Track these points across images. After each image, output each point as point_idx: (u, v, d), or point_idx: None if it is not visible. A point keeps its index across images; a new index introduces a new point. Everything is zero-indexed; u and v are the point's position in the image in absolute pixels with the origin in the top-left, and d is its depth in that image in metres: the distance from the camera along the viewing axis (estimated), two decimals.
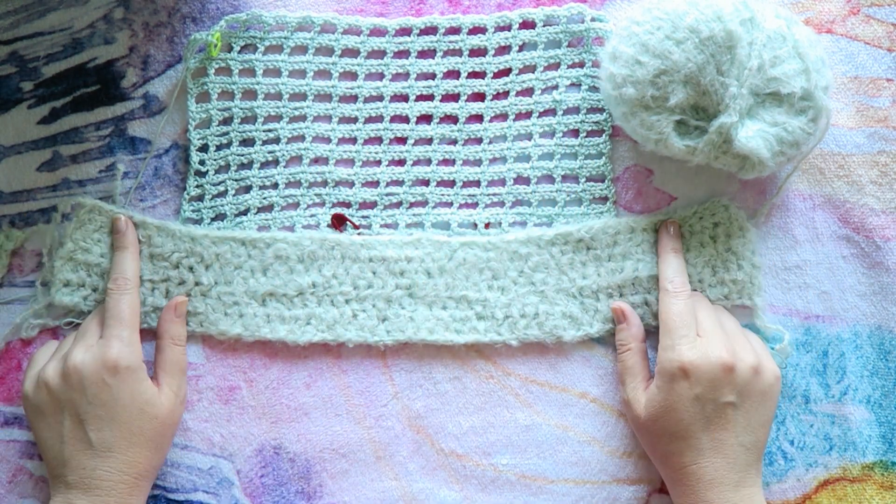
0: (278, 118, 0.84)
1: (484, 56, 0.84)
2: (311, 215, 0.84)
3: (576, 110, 0.84)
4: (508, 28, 0.84)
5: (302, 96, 0.84)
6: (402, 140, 0.85)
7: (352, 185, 0.84)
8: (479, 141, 0.85)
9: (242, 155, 0.84)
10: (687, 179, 0.84)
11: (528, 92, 0.84)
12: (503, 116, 0.85)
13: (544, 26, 0.84)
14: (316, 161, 0.84)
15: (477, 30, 0.84)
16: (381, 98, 0.84)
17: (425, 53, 0.84)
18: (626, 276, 0.83)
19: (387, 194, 0.84)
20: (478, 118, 0.85)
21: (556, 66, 0.84)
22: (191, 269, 0.83)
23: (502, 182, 0.84)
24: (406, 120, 0.85)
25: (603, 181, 0.84)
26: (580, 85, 0.84)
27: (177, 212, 0.84)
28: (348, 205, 0.85)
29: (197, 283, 0.83)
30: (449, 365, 0.84)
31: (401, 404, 0.84)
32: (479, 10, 0.85)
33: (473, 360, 0.84)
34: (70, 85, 0.84)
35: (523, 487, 0.83)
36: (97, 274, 0.82)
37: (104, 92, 0.84)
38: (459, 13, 0.85)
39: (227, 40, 0.83)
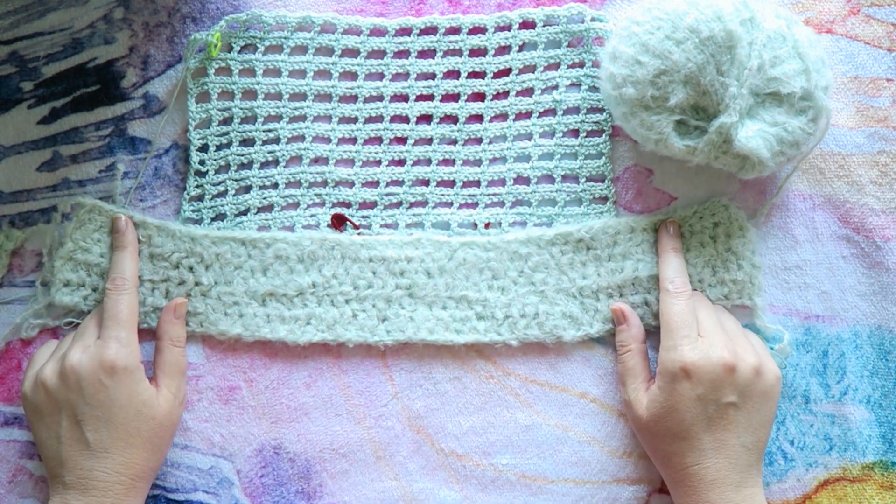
0: (278, 118, 0.84)
1: (484, 56, 0.84)
2: (311, 215, 0.84)
3: (576, 110, 0.84)
4: (508, 28, 0.84)
5: (302, 96, 0.84)
6: (402, 140, 0.85)
7: (352, 185, 0.84)
8: (479, 141, 0.85)
9: (242, 155, 0.84)
10: (687, 179, 0.84)
11: (528, 92, 0.84)
12: (503, 116, 0.85)
13: (544, 26, 0.84)
14: (316, 161, 0.84)
15: (477, 30, 0.84)
16: (381, 98, 0.84)
17: (425, 53, 0.84)
18: (626, 276, 0.83)
19: (387, 194, 0.84)
20: (478, 118, 0.85)
21: (556, 66, 0.84)
22: (191, 269, 0.83)
23: (502, 182, 0.84)
24: (406, 120, 0.85)
25: (603, 181, 0.84)
26: (580, 85, 0.84)
27: (177, 212, 0.84)
28: (348, 205, 0.85)
29: (197, 283, 0.83)
30: (449, 365, 0.84)
31: (401, 404, 0.84)
32: (479, 10, 0.85)
33: (473, 360, 0.84)
34: (70, 85, 0.84)
35: (523, 487, 0.83)
36: (97, 274, 0.82)
37: (104, 92, 0.84)
38: (459, 13, 0.85)
39: (227, 40, 0.83)
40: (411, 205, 0.85)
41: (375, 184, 0.84)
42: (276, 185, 0.84)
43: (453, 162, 0.85)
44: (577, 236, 0.83)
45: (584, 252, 0.83)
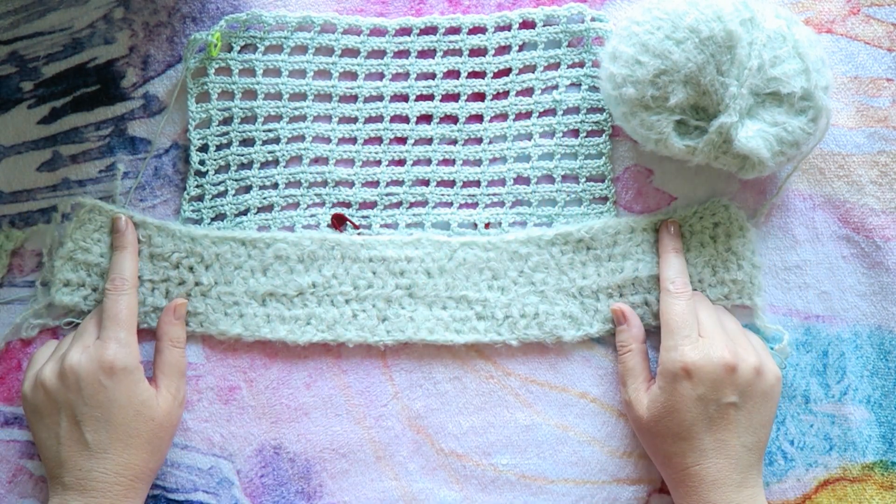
0: (278, 118, 0.84)
1: (484, 56, 0.84)
2: (311, 215, 0.84)
3: (576, 110, 0.84)
4: (508, 28, 0.84)
5: (302, 96, 0.84)
6: (402, 140, 0.85)
7: (352, 185, 0.84)
8: (479, 141, 0.85)
9: (242, 155, 0.84)
10: (687, 179, 0.84)
11: (528, 92, 0.84)
12: (503, 116, 0.85)
13: (544, 26, 0.84)
14: (316, 161, 0.84)
15: (477, 30, 0.84)
16: (381, 98, 0.84)
17: (425, 53, 0.84)
18: (626, 276, 0.83)
19: (387, 194, 0.84)
20: (478, 118, 0.85)
21: (556, 66, 0.84)
22: (191, 269, 0.83)
23: (502, 182, 0.84)
24: (406, 120, 0.85)
25: (603, 181, 0.84)
26: (580, 85, 0.84)
27: (177, 212, 0.84)
28: (348, 205, 0.85)
29: (197, 283, 0.83)
30: (449, 365, 0.84)
31: (401, 404, 0.84)
32: (479, 10, 0.85)
33: (473, 360, 0.84)
34: (70, 85, 0.84)
35: (523, 487, 0.83)
36: (97, 274, 0.82)
37: (104, 92, 0.84)
38: (459, 13, 0.85)
39: (227, 40, 0.83)
40: (411, 205, 0.85)
41: (375, 184, 0.84)
42: (276, 185, 0.84)
43: (453, 162, 0.85)
44: (577, 236, 0.83)
45: (584, 252, 0.83)
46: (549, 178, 0.84)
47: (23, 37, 0.84)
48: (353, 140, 0.85)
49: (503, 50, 0.84)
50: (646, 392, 0.78)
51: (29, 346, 0.84)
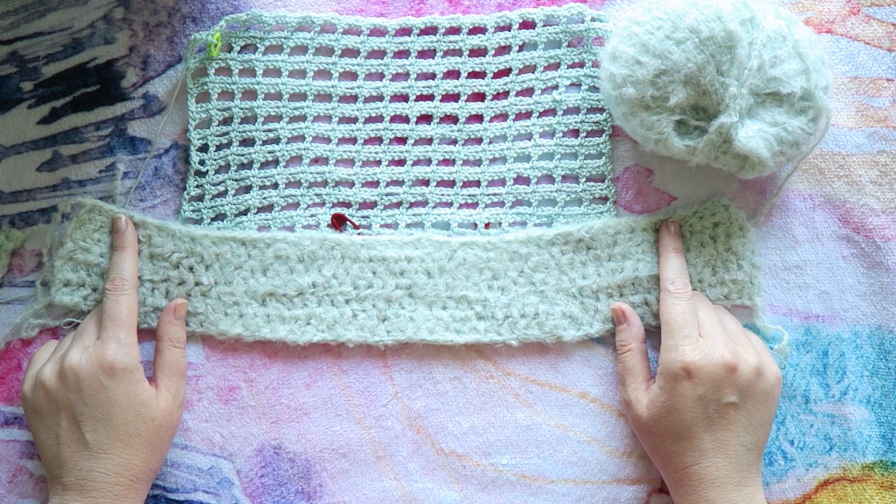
0: (278, 118, 0.84)
1: (484, 56, 0.84)
2: (311, 215, 0.84)
3: (576, 110, 0.84)
4: (508, 28, 0.84)
5: (302, 96, 0.84)
6: (402, 140, 0.85)
7: (352, 185, 0.84)
8: (479, 141, 0.85)
9: (242, 155, 0.84)
10: (687, 179, 0.84)
11: (528, 92, 0.84)
12: (503, 116, 0.85)
13: (544, 26, 0.84)
14: (316, 161, 0.84)
15: (477, 30, 0.84)
16: (381, 98, 0.84)
17: (425, 53, 0.84)
18: (626, 275, 0.83)
19: (387, 194, 0.84)
20: (478, 118, 0.85)
21: (556, 66, 0.84)
22: (191, 269, 0.83)
23: (502, 182, 0.84)
24: (406, 120, 0.85)
25: (603, 181, 0.84)
26: (580, 85, 0.84)
27: (177, 212, 0.84)
28: (348, 205, 0.85)
29: (197, 284, 0.83)
30: (449, 365, 0.84)
31: (401, 404, 0.84)
32: (479, 10, 0.85)
33: (473, 360, 0.84)
34: (70, 85, 0.84)
35: (523, 487, 0.83)
36: (97, 274, 0.82)
37: (104, 92, 0.84)
38: (459, 13, 0.85)
39: (227, 40, 0.83)
40: (411, 205, 0.85)
41: (375, 184, 0.84)
42: (276, 185, 0.84)
43: (453, 162, 0.85)
44: (577, 236, 0.83)
45: (584, 252, 0.83)
46: (549, 178, 0.84)
47: (23, 37, 0.84)
48: (353, 140, 0.85)
49: (503, 50, 0.84)
50: (645, 391, 0.78)
51: (29, 346, 0.84)
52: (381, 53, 0.84)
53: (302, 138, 0.84)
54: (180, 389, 0.80)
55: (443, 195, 0.85)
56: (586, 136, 0.84)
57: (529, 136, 0.84)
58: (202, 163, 0.84)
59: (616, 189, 0.85)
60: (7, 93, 0.84)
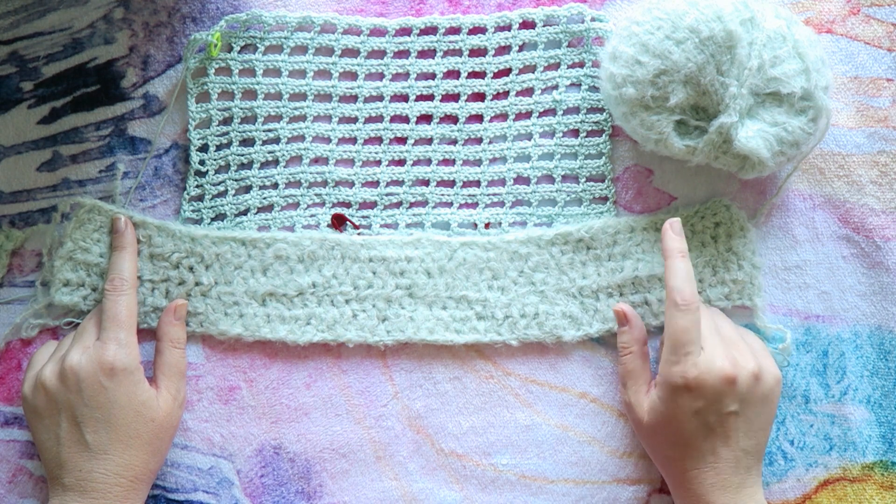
0: (278, 118, 0.84)
1: (484, 56, 0.84)
2: (311, 215, 0.84)
3: (576, 110, 0.84)
4: (508, 28, 0.84)
5: (302, 96, 0.84)
6: (402, 140, 0.85)
7: (352, 185, 0.84)
8: (479, 141, 0.85)
9: (242, 155, 0.84)
10: (687, 179, 0.84)
11: (528, 92, 0.84)
12: (503, 116, 0.85)
13: (544, 26, 0.84)
14: (316, 161, 0.84)
15: (477, 30, 0.84)
16: (381, 98, 0.84)
17: (425, 53, 0.84)
18: (625, 275, 0.83)
19: (387, 194, 0.84)
20: (478, 118, 0.85)
21: (556, 66, 0.84)
22: (191, 269, 0.83)
23: (502, 182, 0.84)
24: (406, 120, 0.85)
25: (603, 181, 0.84)
26: (580, 85, 0.84)
27: (177, 212, 0.84)
28: (348, 205, 0.85)
29: (197, 283, 0.83)
30: (449, 365, 0.84)
31: (401, 404, 0.84)
32: (479, 10, 0.85)
33: (473, 360, 0.84)
34: (70, 85, 0.84)
35: (523, 487, 0.83)
36: (97, 274, 0.82)
37: (104, 92, 0.84)
38: (459, 13, 0.85)
39: (227, 40, 0.83)
40: (411, 205, 0.85)
41: (375, 184, 0.84)
42: (276, 185, 0.84)
43: (453, 162, 0.85)
44: (577, 236, 0.83)
45: (584, 252, 0.83)
46: (549, 178, 0.84)
47: (23, 37, 0.84)
48: (353, 140, 0.85)
49: (503, 50, 0.84)
50: (646, 395, 0.78)
51: (29, 346, 0.84)
52: (381, 53, 0.84)
53: (302, 138, 0.84)
54: (180, 390, 0.80)
55: (443, 195, 0.85)
56: (586, 136, 0.84)
57: (529, 136, 0.84)
58: (202, 163, 0.84)
59: (616, 189, 0.85)
60: (7, 93, 0.84)
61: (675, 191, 0.85)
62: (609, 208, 0.84)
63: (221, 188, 0.84)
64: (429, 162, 0.85)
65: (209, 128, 0.84)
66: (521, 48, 0.84)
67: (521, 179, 0.85)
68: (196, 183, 0.84)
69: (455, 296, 0.83)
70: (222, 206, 0.84)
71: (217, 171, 0.84)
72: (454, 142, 0.85)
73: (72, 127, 0.84)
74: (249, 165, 0.84)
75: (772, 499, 0.83)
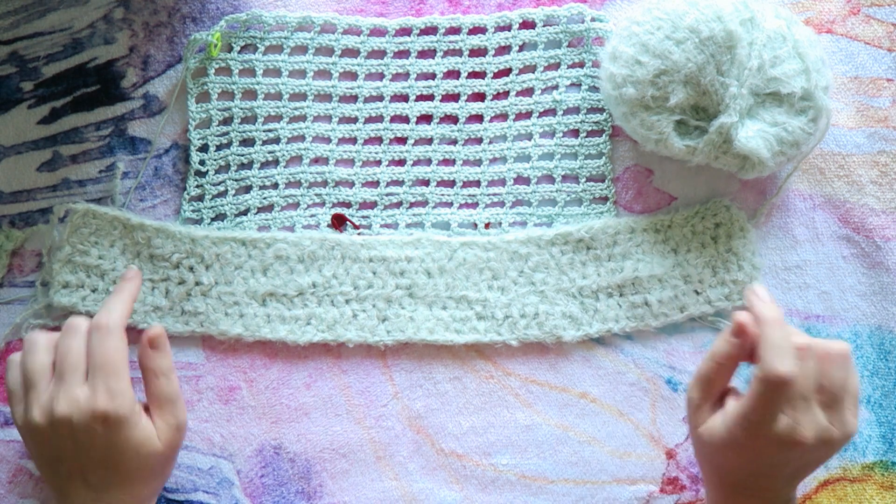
0: (278, 118, 0.84)
1: (484, 56, 0.84)
2: (311, 215, 0.84)
3: (576, 110, 0.84)
4: (508, 28, 0.84)
5: (302, 96, 0.84)
6: (402, 140, 0.85)
7: (352, 185, 0.84)
8: (479, 141, 0.85)
9: (242, 155, 0.84)
10: (687, 179, 0.84)
11: (528, 92, 0.84)
12: (503, 116, 0.85)
13: (544, 26, 0.84)
14: (316, 161, 0.84)
15: (477, 30, 0.84)
16: (381, 98, 0.84)
17: (425, 53, 0.84)
18: (625, 275, 0.83)
19: (387, 194, 0.84)
20: (478, 118, 0.85)
21: (556, 66, 0.84)
22: (191, 269, 0.83)
23: (502, 182, 0.84)
24: (406, 120, 0.85)
25: (603, 181, 0.84)
26: (580, 85, 0.84)
27: (177, 212, 0.84)
28: (348, 205, 0.85)
29: (197, 283, 0.83)
30: (449, 365, 0.84)
31: (401, 404, 0.84)
32: (479, 10, 0.85)
33: (473, 360, 0.84)
34: (70, 85, 0.84)
35: (523, 487, 0.83)
36: (96, 275, 0.82)
37: (104, 92, 0.84)
38: (459, 13, 0.85)
39: (227, 40, 0.83)
40: (411, 205, 0.85)
41: (375, 184, 0.85)
42: (276, 185, 0.84)
43: (453, 162, 0.85)
44: (577, 236, 0.83)
45: (584, 252, 0.83)
46: (549, 178, 0.84)
47: (23, 37, 0.84)
48: (353, 140, 0.85)
49: (503, 50, 0.84)
50: (719, 408, 0.73)
51: None
52: (381, 53, 0.84)
53: (302, 138, 0.84)
54: (177, 415, 0.75)
55: (443, 195, 0.85)
56: (586, 136, 0.84)
57: (529, 136, 0.84)
58: (202, 163, 0.84)
59: (616, 189, 0.85)
60: (7, 93, 0.84)
61: (675, 191, 0.85)
62: (609, 208, 0.84)
63: (221, 188, 0.84)
64: (429, 162, 0.85)
65: (209, 128, 0.84)
66: (521, 48, 0.84)
67: (521, 179, 0.85)
68: (196, 183, 0.84)
69: (455, 296, 0.83)
70: (222, 206, 0.84)
71: (217, 171, 0.84)
72: (454, 142, 0.85)
73: (72, 127, 0.84)
74: (249, 165, 0.84)
75: None
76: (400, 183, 0.84)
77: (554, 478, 0.83)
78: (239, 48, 0.83)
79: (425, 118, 0.85)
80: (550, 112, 0.84)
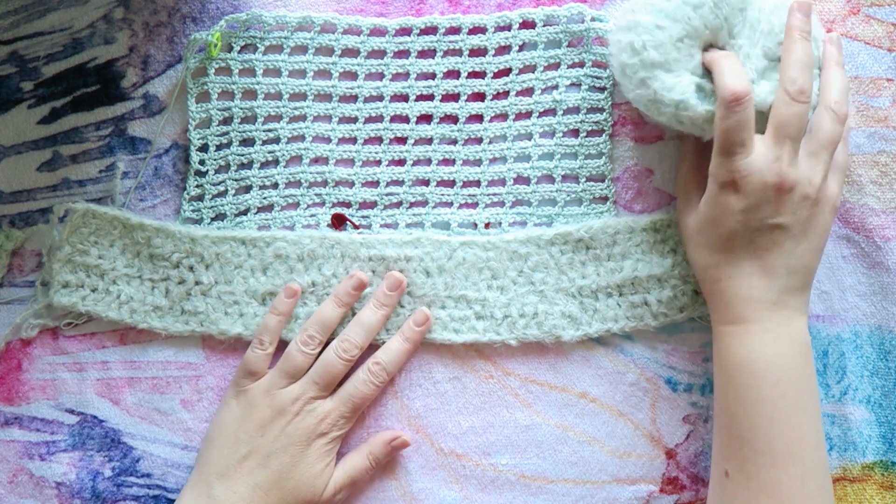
0: (278, 118, 0.84)
1: (484, 56, 0.84)
2: (311, 215, 0.84)
3: (576, 110, 0.84)
4: (508, 28, 0.84)
5: (302, 96, 0.84)
6: (402, 140, 0.85)
7: (352, 184, 0.84)
8: (479, 141, 0.85)
9: (242, 155, 0.84)
10: None
11: (528, 92, 0.84)
12: (503, 116, 0.85)
13: (544, 26, 0.84)
14: (316, 161, 0.84)
15: (477, 30, 0.84)
16: (381, 98, 0.84)
17: (425, 53, 0.84)
18: (625, 275, 0.83)
19: (387, 194, 0.84)
20: (478, 118, 0.85)
21: (556, 66, 0.84)
22: (191, 268, 0.83)
23: (502, 182, 0.84)
24: (406, 120, 0.85)
25: (603, 181, 0.84)
26: (580, 85, 0.84)
27: (177, 212, 0.84)
28: (348, 205, 0.85)
29: (197, 283, 0.83)
30: (448, 364, 0.84)
31: (400, 404, 0.84)
32: (479, 10, 0.85)
33: (473, 359, 0.84)
34: (70, 85, 0.84)
35: (523, 487, 0.83)
36: (96, 275, 0.83)
37: (104, 92, 0.84)
38: (459, 13, 0.85)
39: (227, 40, 0.83)
40: (411, 205, 0.85)
41: (375, 184, 0.85)
42: (276, 185, 0.84)
43: (453, 162, 0.85)
44: (576, 236, 0.83)
45: (584, 252, 0.83)
46: (549, 178, 0.84)
47: (23, 37, 0.84)
48: (353, 140, 0.85)
49: (503, 50, 0.84)
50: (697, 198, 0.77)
51: (29, 346, 0.84)
52: (381, 53, 0.84)
53: (302, 138, 0.84)
54: (343, 492, 0.82)
55: (443, 195, 0.85)
56: (586, 136, 0.84)
57: (529, 136, 0.84)
58: (202, 163, 0.84)
59: (616, 189, 0.85)
60: (7, 93, 0.84)
61: (675, 191, 0.85)
62: (609, 208, 0.84)
63: (221, 188, 0.84)
64: (429, 162, 0.85)
65: (209, 128, 0.84)
66: (521, 48, 0.84)
67: (521, 179, 0.85)
68: (196, 183, 0.84)
69: (454, 295, 0.83)
70: (222, 205, 0.84)
71: (217, 171, 0.84)
72: (454, 142, 0.85)
73: (72, 127, 0.84)
74: (249, 165, 0.84)
75: None
76: (400, 183, 0.84)
77: (553, 478, 0.83)
78: (239, 48, 0.84)
79: (425, 118, 0.85)
80: (550, 112, 0.84)
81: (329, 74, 0.84)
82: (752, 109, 0.73)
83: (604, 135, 0.84)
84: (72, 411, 0.84)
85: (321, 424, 0.79)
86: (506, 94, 0.84)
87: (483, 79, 0.84)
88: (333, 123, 0.84)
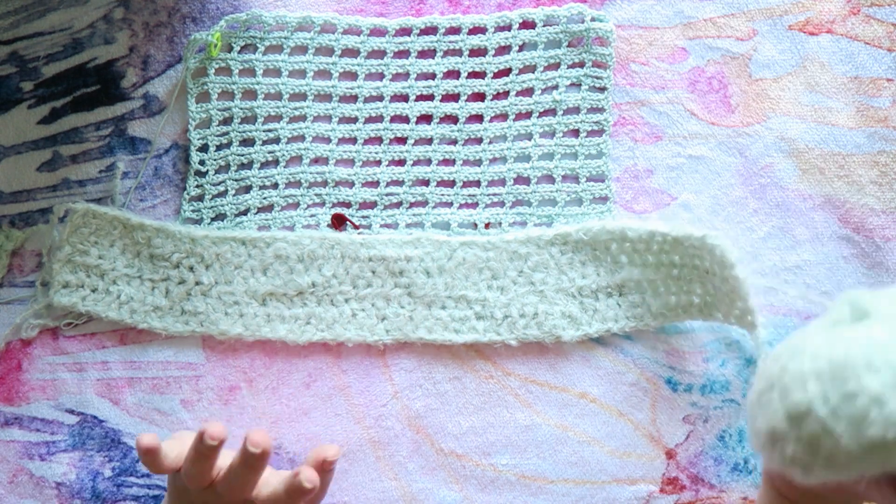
0: (278, 118, 0.84)
1: (484, 56, 0.84)
2: (311, 215, 0.84)
3: (576, 110, 0.84)
4: (508, 28, 0.84)
5: (302, 96, 0.84)
6: (402, 140, 0.85)
7: (352, 185, 0.84)
8: (479, 141, 0.85)
9: (242, 155, 0.84)
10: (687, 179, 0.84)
11: (528, 92, 0.84)
12: (503, 116, 0.85)
13: (544, 26, 0.84)
14: (316, 161, 0.84)
15: (477, 30, 0.84)
16: (381, 98, 0.84)
17: (425, 53, 0.84)
18: (625, 275, 0.83)
19: (387, 194, 0.84)
20: (478, 118, 0.85)
21: (557, 66, 0.84)
22: (191, 268, 0.83)
23: (502, 182, 0.84)
24: (406, 120, 0.85)
25: (603, 181, 0.84)
26: (580, 85, 0.84)
27: (177, 212, 0.84)
28: (348, 205, 0.85)
29: (197, 283, 0.83)
30: (448, 365, 0.84)
31: (400, 404, 0.84)
32: (479, 10, 0.85)
33: (473, 359, 0.84)
34: (70, 85, 0.84)
35: (523, 487, 0.83)
36: (96, 275, 0.83)
37: (104, 92, 0.84)
38: (459, 13, 0.85)
39: (227, 40, 0.83)
40: (411, 205, 0.85)
41: (375, 184, 0.85)
42: (276, 185, 0.84)
43: (453, 162, 0.85)
44: (576, 236, 0.83)
45: (584, 252, 0.83)
46: (549, 178, 0.84)
47: (23, 37, 0.84)
48: (353, 140, 0.85)
49: (503, 50, 0.84)
50: None
51: (29, 346, 0.84)
52: (381, 53, 0.84)
53: (302, 138, 0.84)
54: None
55: (443, 195, 0.85)
56: (586, 136, 0.84)
57: (529, 136, 0.84)
58: (202, 163, 0.84)
59: (616, 189, 0.85)
60: (7, 93, 0.84)
61: (675, 191, 0.85)
62: (609, 208, 0.84)
63: (221, 188, 0.84)
64: (429, 162, 0.85)
65: (209, 128, 0.84)
66: (521, 48, 0.84)
67: (521, 179, 0.85)
68: (196, 183, 0.84)
69: (454, 295, 0.83)
70: (222, 206, 0.84)
71: (217, 171, 0.84)
72: (454, 142, 0.85)
73: (72, 127, 0.84)
74: (249, 165, 0.84)
75: None
76: (400, 183, 0.84)
77: (553, 478, 0.83)
78: (239, 48, 0.84)
79: (425, 118, 0.85)
80: (550, 112, 0.84)
81: (329, 74, 0.84)
82: None
83: (604, 135, 0.84)
84: (72, 411, 0.84)
85: None
86: (506, 94, 0.84)
87: (483, 79, 0.84)
88: (333, 123, 0.84)
